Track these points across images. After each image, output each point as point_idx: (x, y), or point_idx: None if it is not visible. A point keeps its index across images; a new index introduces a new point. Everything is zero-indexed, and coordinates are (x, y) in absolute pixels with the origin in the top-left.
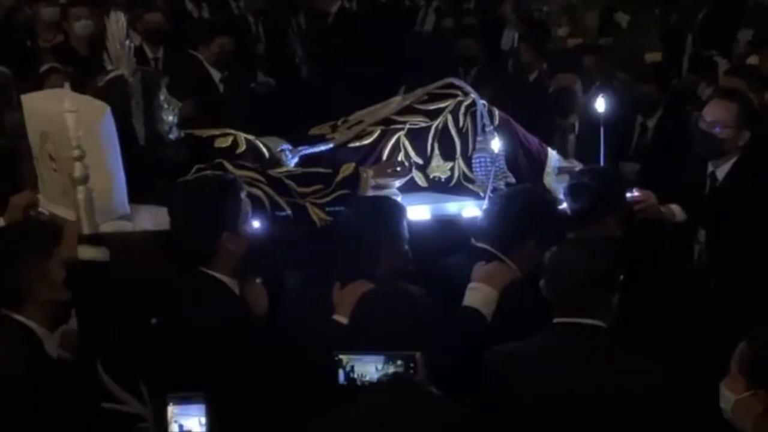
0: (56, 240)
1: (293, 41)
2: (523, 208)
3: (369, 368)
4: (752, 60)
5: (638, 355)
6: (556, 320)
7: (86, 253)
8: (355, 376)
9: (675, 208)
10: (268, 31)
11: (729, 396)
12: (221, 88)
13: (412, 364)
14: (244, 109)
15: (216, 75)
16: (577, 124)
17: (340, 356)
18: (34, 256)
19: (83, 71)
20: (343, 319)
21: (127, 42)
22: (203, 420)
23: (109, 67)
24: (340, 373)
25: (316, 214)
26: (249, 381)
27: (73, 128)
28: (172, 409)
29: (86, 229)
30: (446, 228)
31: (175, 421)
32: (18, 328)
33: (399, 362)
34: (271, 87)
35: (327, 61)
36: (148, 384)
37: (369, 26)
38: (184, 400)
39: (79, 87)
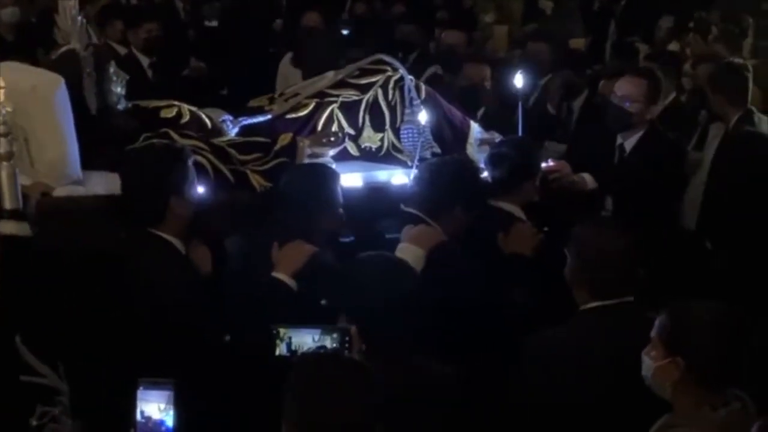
0: None
1: None
2: (451, 177)
3: (306, 339)
4: (673, 46)
5: None
6: (592, 305)
7: (7, 228)
8: (294, 348)
9: (587, 176)
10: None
11: (649, 363)
12: (149, 73)
13: (347, 338)
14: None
15: (144, 61)
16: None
17: (278, 329)
18: None
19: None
20: (283, 276)
21: (79, 18)
22: (162, 406)
23: (60, 41)
24: (281, 345)
25: (256, 180)
26: (201, 340)
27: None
28: (138, 394)
29: (8, 205)
30: (377, 194)
31: (136, 407)
32: None
33: (335, 335)
34: (203, 72)
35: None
36: (66, 359)
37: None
38: (152, 385)
39: None
